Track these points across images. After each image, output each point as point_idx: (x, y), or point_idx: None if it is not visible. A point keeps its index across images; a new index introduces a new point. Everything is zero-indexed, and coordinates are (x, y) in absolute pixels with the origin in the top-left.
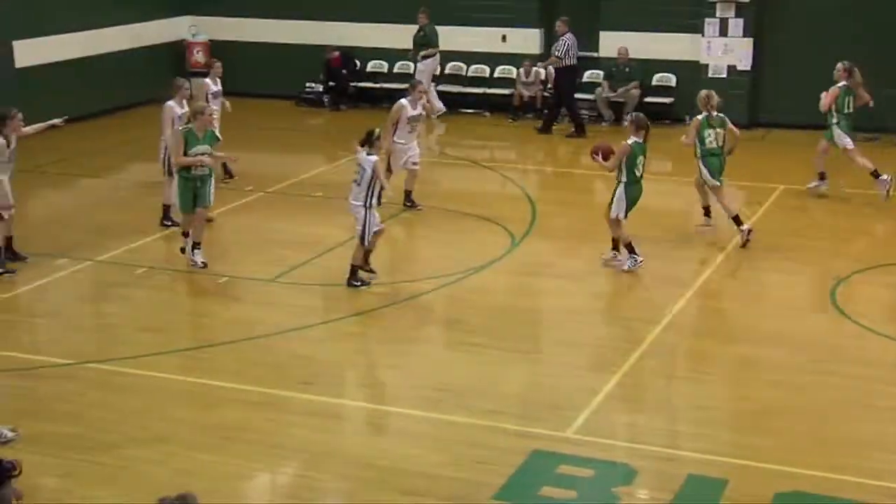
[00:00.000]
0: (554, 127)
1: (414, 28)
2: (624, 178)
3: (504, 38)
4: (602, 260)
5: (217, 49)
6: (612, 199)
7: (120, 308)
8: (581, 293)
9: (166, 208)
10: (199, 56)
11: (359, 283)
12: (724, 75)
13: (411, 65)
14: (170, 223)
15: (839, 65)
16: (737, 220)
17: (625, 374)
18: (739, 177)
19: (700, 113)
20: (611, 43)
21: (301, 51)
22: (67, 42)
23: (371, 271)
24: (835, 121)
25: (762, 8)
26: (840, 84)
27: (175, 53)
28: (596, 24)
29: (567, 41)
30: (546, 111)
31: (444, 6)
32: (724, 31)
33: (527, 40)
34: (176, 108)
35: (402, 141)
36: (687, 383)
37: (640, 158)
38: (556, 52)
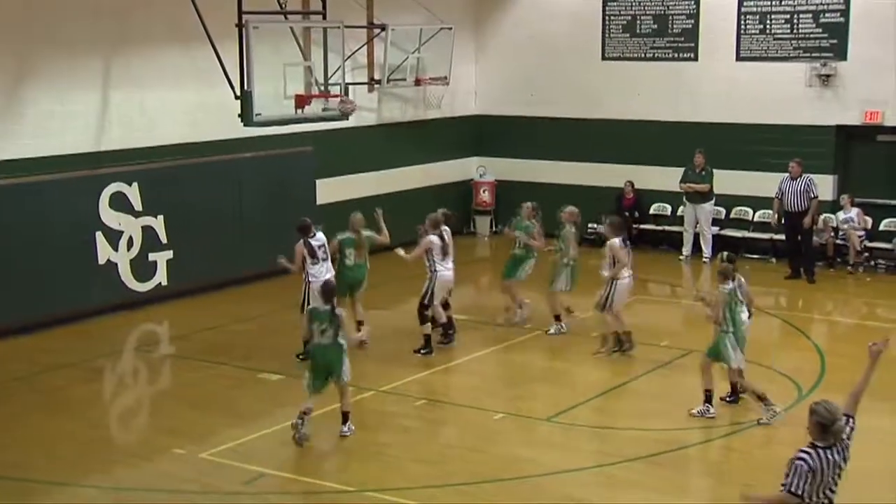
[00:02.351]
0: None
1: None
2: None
3: None
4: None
5: (502, 189)
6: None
7: (398, 438)
8: (877, 456)
9: None
10: (485, 195)
11: None
12: None
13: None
14: None
15: None
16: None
17: None
18: None
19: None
20: None
21: (583, 192)
22: (363, 181)
23: None
24: None
25: None
26: None
27: (463, 192)
28: None
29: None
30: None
31: (731, 150)
32: None
33: (819, 186)
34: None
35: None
36: None
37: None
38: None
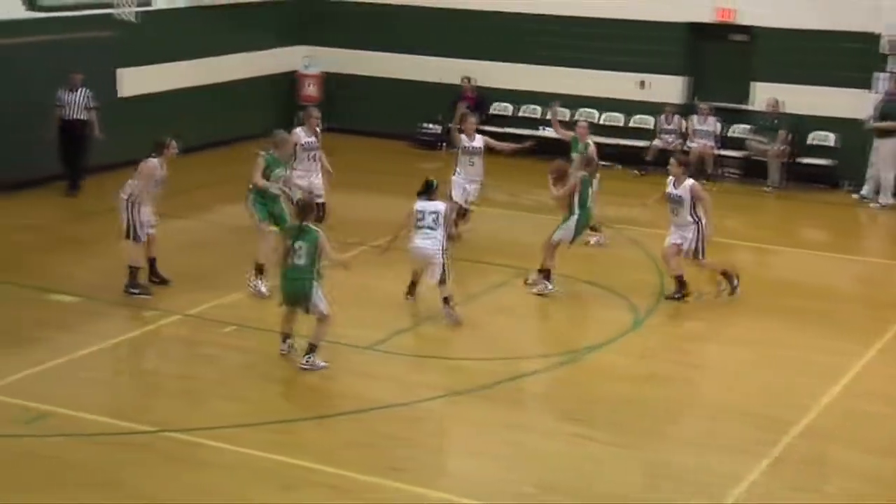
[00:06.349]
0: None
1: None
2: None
3: (643, 84)
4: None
5: (330, 82)
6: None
7: (205, 371)
8: (713, 383)
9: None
10: (311, 89)
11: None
12: None
13: (538, 108)
14: (136, 291)
15: None
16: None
17: (752, 486)
18: None
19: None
20: (763, 95)
21: (419, 88)
22: (173, 71)
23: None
24: None
25: None
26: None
27: (286, 85)
28: (748, 73)
29: None
30: None
31: (579, 49)
32: None
33: (669, 88)
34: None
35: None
36: None
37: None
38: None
